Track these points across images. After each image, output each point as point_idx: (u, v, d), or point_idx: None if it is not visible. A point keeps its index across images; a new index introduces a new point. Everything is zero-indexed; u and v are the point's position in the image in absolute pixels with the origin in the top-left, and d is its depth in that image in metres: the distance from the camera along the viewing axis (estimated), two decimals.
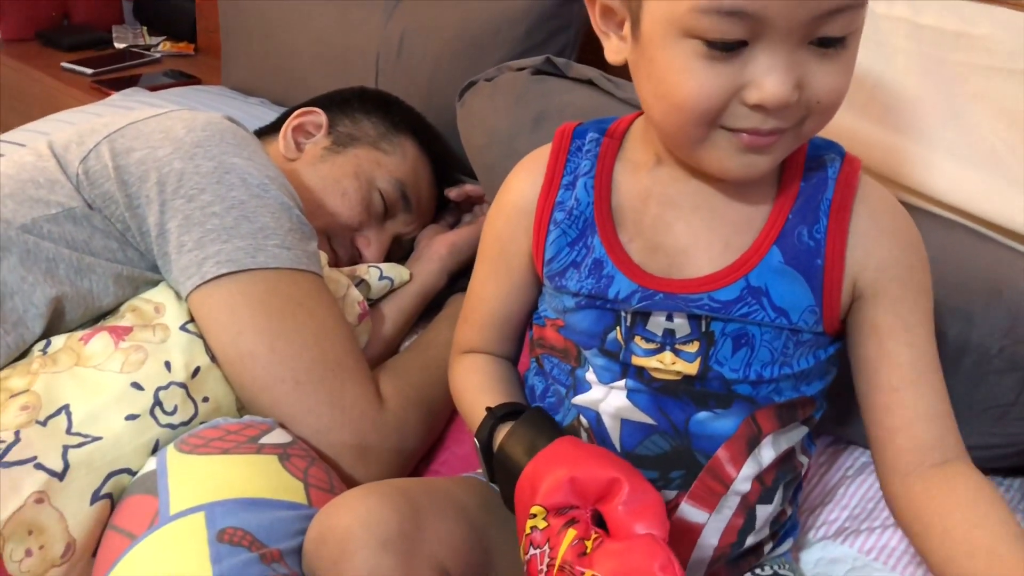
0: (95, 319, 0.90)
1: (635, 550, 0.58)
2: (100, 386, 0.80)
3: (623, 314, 0.69)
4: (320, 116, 1.19)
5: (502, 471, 0.71)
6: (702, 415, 0.69)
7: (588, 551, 0.60)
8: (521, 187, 0.75)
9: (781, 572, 0.77)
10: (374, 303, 1.10)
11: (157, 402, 0.81)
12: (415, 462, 0.96)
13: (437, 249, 1.17)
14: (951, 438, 0.69)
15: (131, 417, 0.79)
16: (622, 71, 0.71)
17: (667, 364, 0.68)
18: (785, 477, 0.74)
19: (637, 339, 0.69)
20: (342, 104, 1.23)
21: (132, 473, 0.78)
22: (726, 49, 0.57)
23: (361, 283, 1.06)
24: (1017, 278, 0.85)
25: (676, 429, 0.70)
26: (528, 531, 0.63)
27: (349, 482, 0.86)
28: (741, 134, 0.60)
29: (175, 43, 2.43)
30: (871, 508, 0.90)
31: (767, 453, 0.71)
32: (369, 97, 1.26)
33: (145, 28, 2.54)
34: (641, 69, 0.63)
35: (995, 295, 0.85)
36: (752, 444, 0.70)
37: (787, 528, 0.79)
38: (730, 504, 0.71)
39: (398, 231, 1.21)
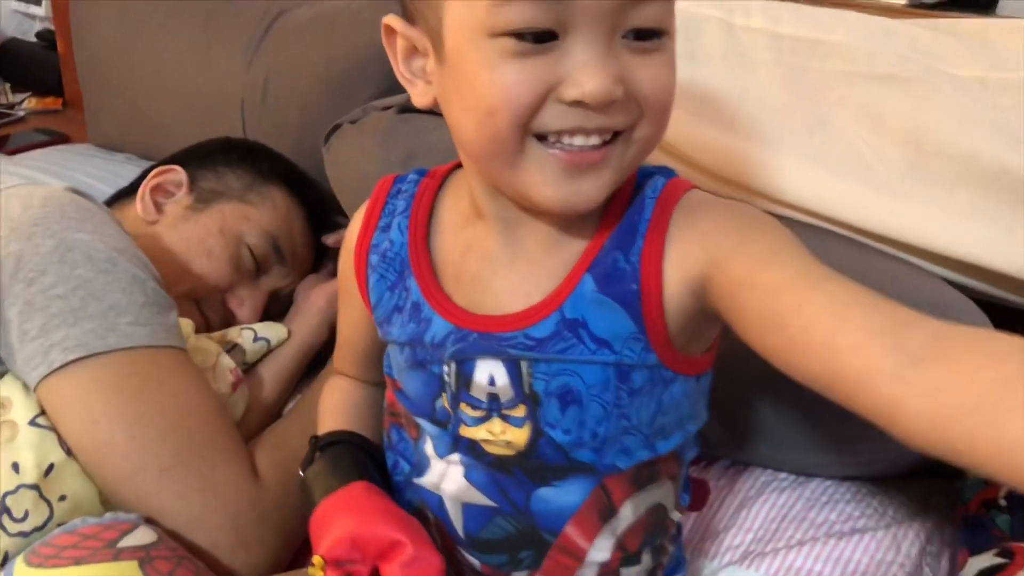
0: None
1: None
2: None
3: (446, 379, 0.65)
4: (179, 173, 1.13)
5: (306, 506, 0.70)
6: (543, 491, 0.64)
7: None
8: (351, 231, 0.74)
9: None
10: (251, 367, 1.04)
11: (4, 509, 0.75)
12: (301, 540, 0.90)
13: (315, 301, 1.12)
14: (901, 313, 0.50)
15: None
16: None
17: (496, 434, 0.64)
18: (653, 540, 0.69)
19: (463, 406, 0.65)
20: (203, 158, 1.17)
21: None
22: (537, 41, 0.53)
23: (234, 348, 1.01)
24: (902, 279, 0.84)
25: (517, 509, 0.66)
26: None
27: (228, 574, 0.80)
28: (559, 150, 0.55)
29: (41, 99, 2.30)
30: (775, 528, 0.88)
31: (625, 520, 0.66)
32: (234, 147, 1.21)
33: (8, 85, 2.41)
34: (449, 91, 0.59)
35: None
36: (606, 514, 0.65)
37: (673, 565, 0.75)
38: (588, 574, 0.67)
39: (274, 286, 1.15)
